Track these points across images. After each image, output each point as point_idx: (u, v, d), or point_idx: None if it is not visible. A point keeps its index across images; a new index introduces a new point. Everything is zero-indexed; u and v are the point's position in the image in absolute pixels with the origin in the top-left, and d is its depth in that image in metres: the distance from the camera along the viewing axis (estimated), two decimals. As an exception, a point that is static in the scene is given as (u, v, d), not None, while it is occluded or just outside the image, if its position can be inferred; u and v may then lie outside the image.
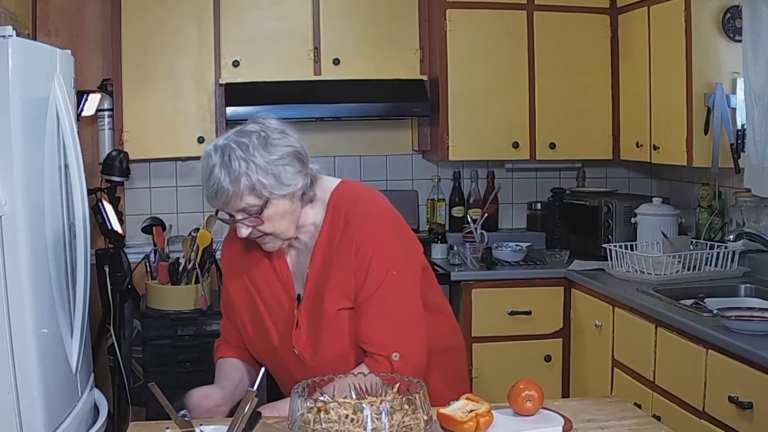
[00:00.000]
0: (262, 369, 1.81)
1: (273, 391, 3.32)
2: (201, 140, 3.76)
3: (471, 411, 1.66)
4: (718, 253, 3.34)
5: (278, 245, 1.95)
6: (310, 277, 1.97)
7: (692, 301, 2.94)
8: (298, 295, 1.99)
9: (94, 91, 3.78)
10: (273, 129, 1.89)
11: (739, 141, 3.27)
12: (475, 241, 3.95)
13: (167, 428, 1.66)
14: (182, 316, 3.57)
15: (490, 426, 1.67)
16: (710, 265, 3.35)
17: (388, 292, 1.91)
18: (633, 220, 3.73)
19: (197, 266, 3.63)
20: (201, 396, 2.00)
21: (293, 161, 1.87)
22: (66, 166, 2.54)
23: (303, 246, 2.01)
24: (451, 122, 3.87)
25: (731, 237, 3.22)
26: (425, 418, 1.56)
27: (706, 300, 2.92)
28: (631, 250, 3.47)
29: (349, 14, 3.86)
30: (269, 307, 2.03)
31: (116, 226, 3.67)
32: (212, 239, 3.71)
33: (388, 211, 2.00)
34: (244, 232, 1.88)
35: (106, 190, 3.72)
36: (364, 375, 1.75)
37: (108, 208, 3.66)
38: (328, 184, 2.01)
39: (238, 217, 1.87)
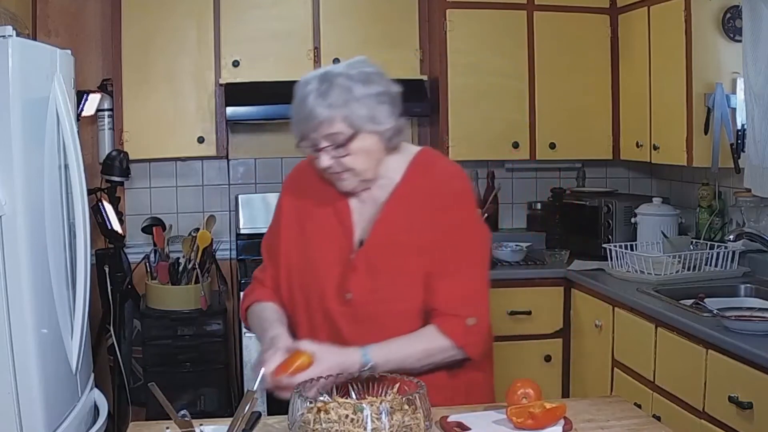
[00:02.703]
0: (262, 369, 1.80)
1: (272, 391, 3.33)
2: (201, 140, 3.76)
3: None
4: (718, 253, 3.34)
5: (353, 185, 1.93)
6: (379, 223, 1.94)
7: (692, 301, 2.94)
8: (361, 241, 1.95)
9: (94, 91, 3.79)
10: (374, 67, 1.92)
11: (739, 141, 3.27)
12: (475, 241, 3.95)
13: (167, 428, 1.66)
14: (182, 316, 3.57)
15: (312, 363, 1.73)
16: (710, 265, 3.35)
17: (474, 262, 1.92)
18: (633, 220, 3.73)
19: (197, 266, 3.63)
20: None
21: (389, 101, 1.90)
22: (66, 166, 2.54)
23: (371, 199, 1.98)
24: (451, 122, 3.87)
25: (731, 237, 3.22)
26: (425, 418, 1.56)
27: (706, 300, 2.92)
28: (631, 250, 3.47)
29: (349, 14, 3.86)
30: (324, 249, 1.98)
31: (116, 226, 3.68)
32: (212, 239, 3.72)
33: (471, 183, 2.03)
34: (326, 161, 1.87)
35: (106, 190, 3.72)
36: (431, 336, 1.84)
37: (108, 208, 3.67)
38: (411, 146, 2.05)
39: (324, 144, 1.86)
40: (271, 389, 1.75)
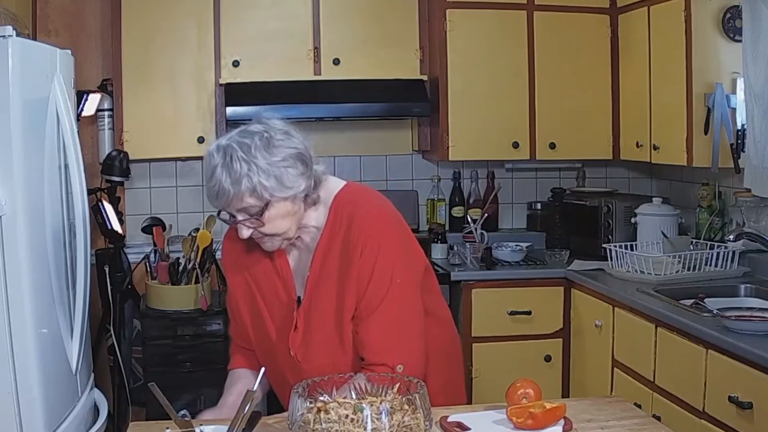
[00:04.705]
0: (262, 369, 1.81)
1: (273, 391, 3.33)
2: (201, 140, 3.76)
3: None
4: (718, 253, 3.34)
5: (278, 245, 1.93)
6: (310, 280, 1.96)
7: (692, 301, 2.94)
8: (299, 297, 1.98)
9: (94, 91, 3.78)
10: (276, 130, 1.87)
11: (739, 141, 3.27)
12: (475, 241, 3.95)
13: (167, 428, 1.66)
14: (182, 316, 3.57)
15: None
16: (710, 265, 3.35)
17: (392, 302, 1.89)
18: (633, 220, 3.73)
19: (197, 266, 3.63)
20: None
21: (296, 163, 1.85)
22: (66, 166, 2.54)
23: (305, 246, 2.00)
24: (451, 122, 3.87)
25: (731, 237, 3.22)
26: (425, 418, 1.56)
27: (706, 300, 2.92)
28: (631, 250, 3.46)
29: (349, 14, 3.86)
30: (269, 304, 2.02)
31: (116, 226, 3.67)
32: (212, 239, 3.71)
33: (390, 215, 1.98)
34: (245, 233, 1.87)
35: (106, 190, 3.72)
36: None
37: (108, 208, 3.66)
38: (333, 186, 1.99)
39: (239, 217, 1.86)
40: None
